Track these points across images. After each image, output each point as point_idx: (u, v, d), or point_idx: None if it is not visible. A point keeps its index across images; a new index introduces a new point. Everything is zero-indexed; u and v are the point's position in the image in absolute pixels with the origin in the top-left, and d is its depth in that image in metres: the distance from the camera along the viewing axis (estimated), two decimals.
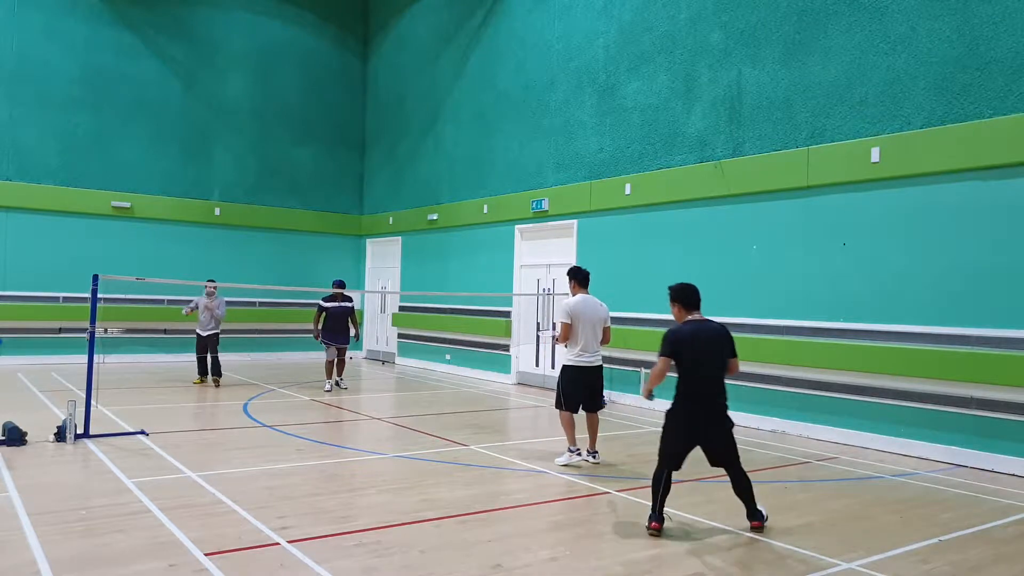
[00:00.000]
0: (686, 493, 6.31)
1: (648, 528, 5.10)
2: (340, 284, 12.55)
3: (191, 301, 12.71)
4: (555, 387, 7.55)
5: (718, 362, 5.34)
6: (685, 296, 5.53)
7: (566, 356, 7.37)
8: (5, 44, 14.86)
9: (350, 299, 12.59)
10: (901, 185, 8.50)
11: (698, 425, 5.26)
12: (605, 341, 7.46)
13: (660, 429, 5.38)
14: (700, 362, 5.25)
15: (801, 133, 9.52)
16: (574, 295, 7.48)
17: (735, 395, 10.28)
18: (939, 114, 8.21)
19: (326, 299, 12.51)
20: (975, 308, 7.80)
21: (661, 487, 5.13)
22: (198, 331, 12.46)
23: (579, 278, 7.56)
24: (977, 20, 7.93)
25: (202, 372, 12.48)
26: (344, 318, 12.46)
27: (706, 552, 4.80)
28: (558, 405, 7.43)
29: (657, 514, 5.13)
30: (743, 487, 5.29)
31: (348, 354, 13.26)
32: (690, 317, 5.47)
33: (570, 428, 7.31)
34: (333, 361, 12.42)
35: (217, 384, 12.34)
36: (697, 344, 5.27)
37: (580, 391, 7.31)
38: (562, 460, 7.24)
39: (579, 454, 7.26)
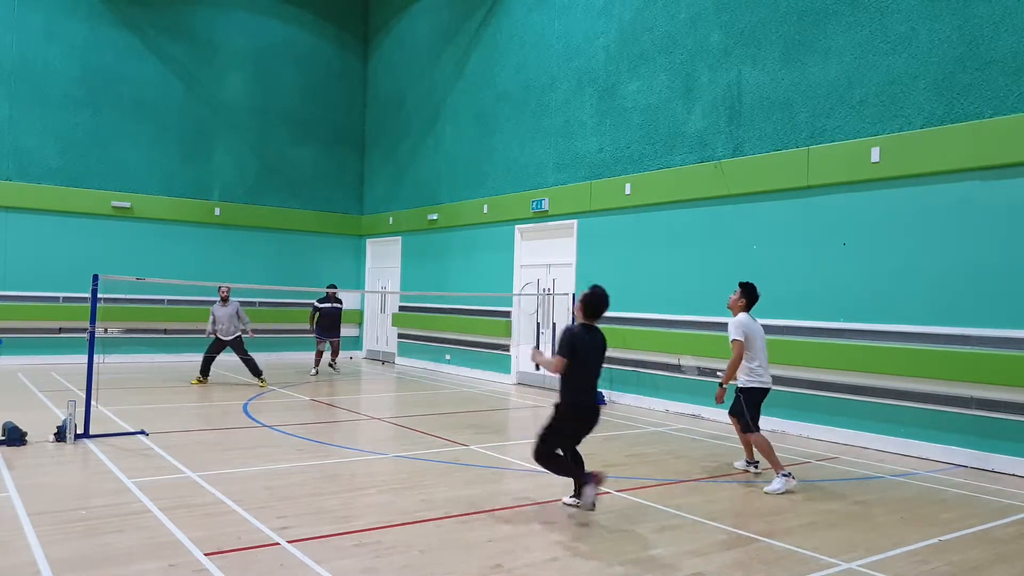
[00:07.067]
0: (686, 493, 6.32)
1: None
2: (333, 287, 14.59)
3: (210, 318, 12.47)
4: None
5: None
6: None
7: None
8: (5, 44, 14.86)
9: (340, 300, 14.78)
10: (901, 185, 8.50)
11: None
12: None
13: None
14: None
15: (801, 133, 9.52)
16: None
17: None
18: (939, 114, 8.22)
19: (320, 300, 14.60)
20: (975, 308, 7.80)
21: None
22: (219, 335, 12.34)
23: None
24: (977, 20, 7.93)
25: (204, 372, 12.40)
26: (335, 317, 14.58)
27: (706, 552, 4.80)
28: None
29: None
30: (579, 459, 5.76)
31: (349, 354, 13.89)
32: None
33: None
34: (323, 352, 14.60)
35: (262, 385, 12.29)
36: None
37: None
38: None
39: None
